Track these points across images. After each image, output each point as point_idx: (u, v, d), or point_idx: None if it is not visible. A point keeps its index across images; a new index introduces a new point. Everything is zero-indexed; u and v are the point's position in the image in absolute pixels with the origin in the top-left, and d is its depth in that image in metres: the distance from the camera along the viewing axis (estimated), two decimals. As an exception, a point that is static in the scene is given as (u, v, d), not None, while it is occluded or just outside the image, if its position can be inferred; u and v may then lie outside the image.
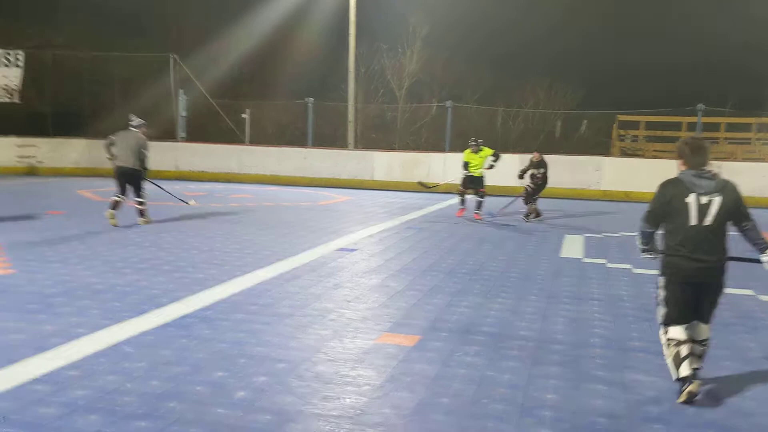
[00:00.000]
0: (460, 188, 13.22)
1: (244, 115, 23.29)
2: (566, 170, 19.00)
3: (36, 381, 3.99)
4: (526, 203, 13.00)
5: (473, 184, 12.85)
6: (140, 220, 10.59)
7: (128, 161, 10.38)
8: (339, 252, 8.76)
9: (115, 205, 10.28)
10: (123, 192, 10.40)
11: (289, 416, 3.65)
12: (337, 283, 6.89)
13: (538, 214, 13.02)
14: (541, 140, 28.71)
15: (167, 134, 22.23)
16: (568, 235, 10.97)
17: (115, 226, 10.01)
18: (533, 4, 31.10)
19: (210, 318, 5.47)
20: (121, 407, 3.66)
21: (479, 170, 12.76)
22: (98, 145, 21.70)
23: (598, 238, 10.89)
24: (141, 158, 10.42)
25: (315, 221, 11.65)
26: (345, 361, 4.55)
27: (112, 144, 10.53)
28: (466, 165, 12.87)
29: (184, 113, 22.25)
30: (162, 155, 21.08)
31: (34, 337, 4.79)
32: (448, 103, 21.62)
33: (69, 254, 7.89)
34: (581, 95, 31.75)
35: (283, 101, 26.07)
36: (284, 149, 21.58)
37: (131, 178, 10.43)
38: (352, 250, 8.96)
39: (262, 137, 24.72)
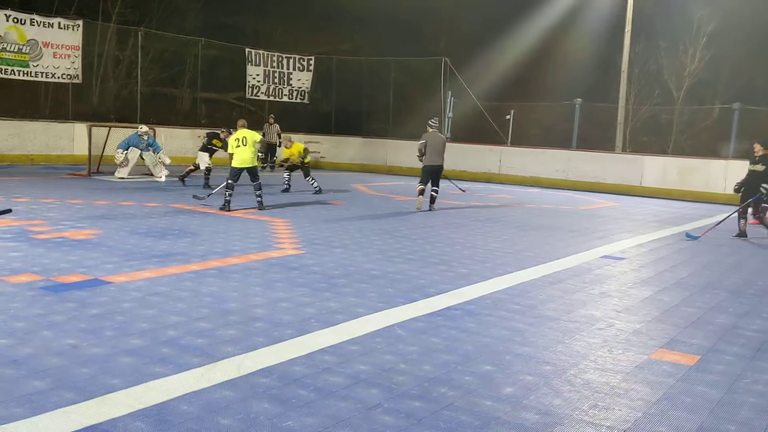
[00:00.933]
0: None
1: (507, 117, 23.41)
2: None
3: (324, 351, 4.43)
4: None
5: None
6: (431, 206, 12.45)
7: (436, 160, 12.32)
8: (604, 259, 8.40)
9: (422, 192, 12.39)
10: (426, 182, 12.41)
11: (557, 419, 3.59)
12: (604, 292, 6.61)
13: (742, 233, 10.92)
14: None
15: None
16: None
17: (419, 209, 12.25)
18: None
19: (475, 312, 5.59)
20: (397, 386, 3.91)
21: None
22: (372, 143, 23.56)
23: None
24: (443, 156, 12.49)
25: (578, 225, 11.30)
26: (616, 372, 4.35)
27: (425, 146, 12.31)
28: None
29: (450, 114, 23.05)
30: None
31: (321, 312, 5.32)
32: (735, 105, 19.51)
33: (348, 241, 8.63)
34: None
35: (549, 103, 25.67)
36: (546, 151, 21.24)
37: (436, 174, 12.40)
38: (620, 258, 8.53)
39: (525, 139, 24.58)
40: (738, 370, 4.49)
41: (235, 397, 3.63)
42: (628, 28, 20.88)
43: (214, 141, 14.48)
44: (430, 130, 12.53)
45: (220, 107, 27.91)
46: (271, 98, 24.31)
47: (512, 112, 23.51)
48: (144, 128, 15.47)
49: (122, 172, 15.12)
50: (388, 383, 3.94)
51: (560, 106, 23.37)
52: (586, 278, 7.21)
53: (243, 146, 11.04)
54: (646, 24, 23.75)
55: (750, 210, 10.84)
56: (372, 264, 7.26)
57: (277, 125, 21.17)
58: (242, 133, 11.17)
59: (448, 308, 5.68)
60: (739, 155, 18.50)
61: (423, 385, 3.94)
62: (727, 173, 17.75)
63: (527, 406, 3.74)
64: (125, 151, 14.92)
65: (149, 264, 6.70)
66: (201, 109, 25.30)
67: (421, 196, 12.35)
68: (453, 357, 4.46)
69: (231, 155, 11.15)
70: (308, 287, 6.09)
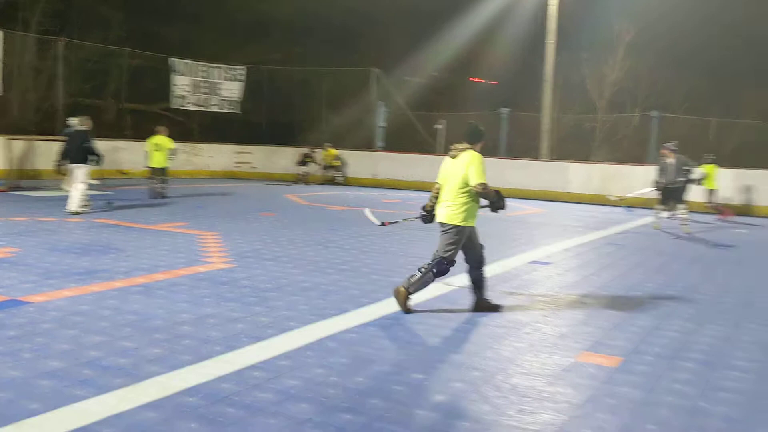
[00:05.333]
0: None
1: (437, 126, 23.72)
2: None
3: (253, 367, 4.36)
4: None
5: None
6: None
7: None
8: (532, 265, 8.59)
9: None
10: None
11: (486, 425, 3.63)
12: (532, 297, 6.76)
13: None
14: (764, 155, 25.97)
15: (367, 144, 23.33)
16: (793, 260, 9.83)
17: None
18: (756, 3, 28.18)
19: (406, 321, 5.62)
20: (328, 399, 3.88)
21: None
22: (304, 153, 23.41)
23: (831, 264, 9.64)
24: None
25: (506, 232, 11.54)
26: (542, 376, 4.45)
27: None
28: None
29: (382, 124, 23.20)
30: (361, 164, 22.17)
31: (251, 327, 5.24)
32: (654, 113, 20.37)
33: (280, 253, 8.54)
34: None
35: (476, 112, 26.16)
36: (477, 159, 21.59)
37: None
38: (547, 263, 8.74)
39: (456, 147, 24.96)
40: (658, 370, 4.65)
41: (159, 419, 3.52)
42: (551, 39, 21.50)
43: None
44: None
45: (146, 118, 27.21)
46: (200, 108, 23.89)
47: (443, 122, 23.85)
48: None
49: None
50: (319, 397, 3.90)
51: (488, 115, 23.83)
52: (515, 283, 7.36)
53: (156, 151, 14.28)
54: (568, 35, 24.51)
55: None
56: (304, 276, 7.21)
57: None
58: (157, 139, 14.34)
59: (381, 318, 5.68)
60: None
61: (354, 398, 3.92)
62: (648, 178, 18.44)
63: (458, 414, 3.77)
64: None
65: (70, 282, 6.45)
66: (126, 120, 24.63)
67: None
68: (385, 367, 4.46)
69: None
70: (238, 302, 5.98)
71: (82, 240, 8.89)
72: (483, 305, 6.08)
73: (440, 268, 5.92)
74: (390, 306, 6.04)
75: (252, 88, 25.16)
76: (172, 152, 14.60)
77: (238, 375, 4.21)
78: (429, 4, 29.20)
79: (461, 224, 5.87)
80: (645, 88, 28.57)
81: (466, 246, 5.99)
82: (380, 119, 23.17)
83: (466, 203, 5.86)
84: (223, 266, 7.55)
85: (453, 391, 4.09)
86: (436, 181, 6.14)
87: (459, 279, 7.38)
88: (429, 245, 9.59)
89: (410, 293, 5.88)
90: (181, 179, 18.65)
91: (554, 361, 4.77)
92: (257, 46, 29.80)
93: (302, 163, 21.24)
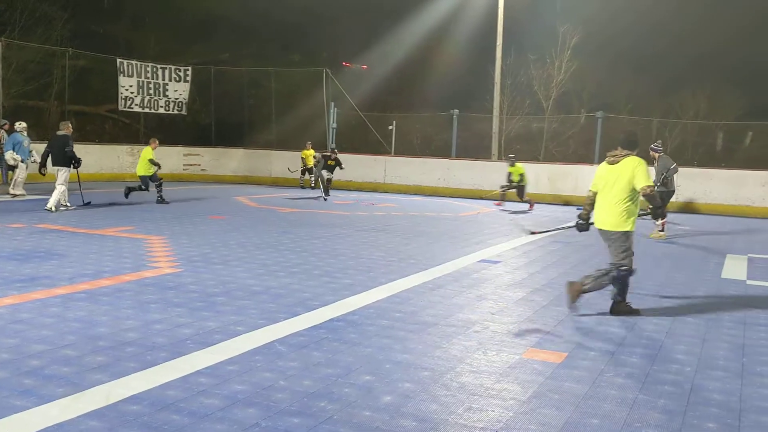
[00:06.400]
0: None
1: (390, 127, 23.83)
2: (728, 186, 17.72)
3: (200, 373, 4.30)
4: None
5: None
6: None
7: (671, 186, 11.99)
8: (482, 263, 8.71)
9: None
10: None
11: (434, 424, 3.67)
12: (481, 295, 6.85)
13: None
14: (701, 153, 26.89)
15: (320, 145, 23.24)
16: (730, 255, 10.20)
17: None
18: (693, 5, 29.13)
19: (357, 322, 5.63)
20: (275, 403, 3.86)
21: None
22: (255, 154, 23.21)
23: (764, 258, 10.03)
24: None
25: (458, 232, 11.66)
26: (490, 373, 4.52)
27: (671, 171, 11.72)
28: None
29: (334, 125, 23.16)
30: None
31: (198, 332, 5.17)
32: (599, 114, 20.86)
33: (229, 256, 8.44)
34: (748, 104, 29.31)
35: (428, 113, 26.37)
36: (428, 160, 21.80)
37: None
38: (496, 262, 8.87)
39: (408, 148, 25.10)
40: (601, 365, 4.78)
41: (103, 428, 3.45)
42: (499, 41, 21.82)
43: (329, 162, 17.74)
44: (662, 154, 12.10)
45: (91, 120, 26.59)
46: (146, 110, 23.44)
47: (394, 122, 23.97)
48: (23, 124, 15.02)
49: (18, 188, 14.46)
50: (267, 401, 3.88)
51: (439, 116, 24.07)
52: (465, 282, 7.45)
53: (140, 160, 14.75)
54: (516, 36, 24.92)
55: None
56: (254, 279, 7.15)
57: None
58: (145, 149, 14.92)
59: (331, 320, 5.68)
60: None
61: (302, 401, 3.92)
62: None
63: (405, 413, 3.80)
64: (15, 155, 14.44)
65: (11, 290, 6.26)
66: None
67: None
68: (334, 370, 4.46)
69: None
70: (185, 307, 5.90)
71: (23, 246, 8.63)
72: (622, 309, 6.14)
73: (620, 275, 6.01)
74: (340, 308, 6.04)
75: (200, 89, 24.85)
76: (152, 162, 14.61)
77: (184, 381, 4.15)
78: (381, 4, 29.30)
79: (629, 230, 6.01)
80: (590, 89, 29.26)
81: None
82: (332, 120, 23.13)
83: (629, 209, 5.97)
84: (170, 271, 7.43)
85: (401, 392, 4.12)
86: (590, 189, 6.23)
87: (405, 282, 7.43)
88: (378, 248, 9.64)
89: (584, 291, 6.01)
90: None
91: (502, 358, 4.85)
92: (204, 46, 29.44)
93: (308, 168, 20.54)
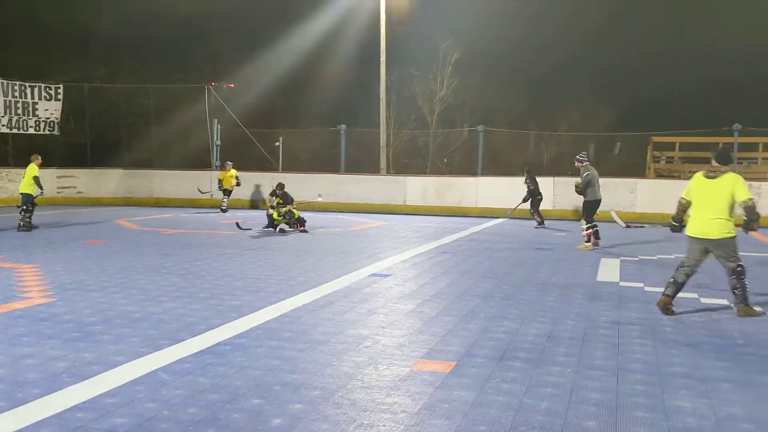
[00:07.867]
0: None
1: (277, 143, 23.62)
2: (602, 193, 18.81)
3: (77, 408, 4.04)
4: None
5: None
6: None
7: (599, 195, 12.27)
8: (372, 278, 8.76)
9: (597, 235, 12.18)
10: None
11: (326, 444, 3.62)
12: (372, 309, 6.88)
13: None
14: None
15: (203, 162, 22.64)
16: (604, 259, 10.82)
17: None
18: (566, 26, 31.02)
19: (245, 345, 5.49)
20: (159, 435, 3.68)
21: None
22: (135, 174, 22.27)
23: (634, 261, 10.72)
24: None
25: (348, 247, 11.68)
26: (381, 388, 4.52)
27: (593, 179, 12.13)
28: None
29: (218, 142, 22.64)
30: (197, 183, 21.43)
31: (74, 365, 4.86)
32: (480, 128, 21.62)
33: (107, 283, 8.02)
34: (616, 117, 31.44)
35: (315, 128, 26.37)
36: (316, 175, 21.75)
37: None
38: (386, 275, 8.95)
39: (296, 164, 24.95)
40: (488, 371, 4.90)
41: (-37, 479, 3.16)
42: (383, 58, 22.19)
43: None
44: (586, 163, 12.37)
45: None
46: (15, 131, 21.98)
47: (281, 139, 23.79)
48: None
49: None
50: (149, 434, 3.69)
51: (327, 131, 24.12)
52: (355, 298, 7.45)
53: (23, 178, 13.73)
54: (399, 53, 25.48)
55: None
56: (134, 306, 6.82)
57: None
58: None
59: (218, 344, 5.50)
60: (487, 172, 20.50)
61: (188, 430, 3.76)
62: (478, 189, 19.55)
63: (296, 435, 3.73)
64: None
65: None
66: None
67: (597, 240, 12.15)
68: (220, 395, 4.32)
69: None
70: (59, 338, 5.53)
71: None
72: (749, 312, 6.68)
73: (743, 270, 6.64)
74: (227, 331, 5.87)
75: (74, 108, 23.59)
76: (36, 180, 13.54)
77: (59, 418, 3.88)
78: (262, 20, 29.09)
79: (735, 235, 6.62)
80: (472, 104, 30.34)
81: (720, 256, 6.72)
82: (216, 136, 22.59)
83: (731, 218, 6.57)
84: (42, 301, 6.96)
85: (291, 413, 4.04)
86: (683, 196, 6.83)
87: (295, 300, 7.35)
88: (266, 267, 9.49)
89: (746, 304, 6.66)
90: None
91: (392, 372, 4.87)
92: (78, 63, 28.00)
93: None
